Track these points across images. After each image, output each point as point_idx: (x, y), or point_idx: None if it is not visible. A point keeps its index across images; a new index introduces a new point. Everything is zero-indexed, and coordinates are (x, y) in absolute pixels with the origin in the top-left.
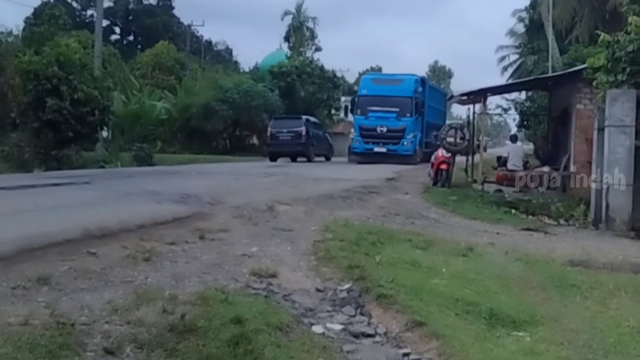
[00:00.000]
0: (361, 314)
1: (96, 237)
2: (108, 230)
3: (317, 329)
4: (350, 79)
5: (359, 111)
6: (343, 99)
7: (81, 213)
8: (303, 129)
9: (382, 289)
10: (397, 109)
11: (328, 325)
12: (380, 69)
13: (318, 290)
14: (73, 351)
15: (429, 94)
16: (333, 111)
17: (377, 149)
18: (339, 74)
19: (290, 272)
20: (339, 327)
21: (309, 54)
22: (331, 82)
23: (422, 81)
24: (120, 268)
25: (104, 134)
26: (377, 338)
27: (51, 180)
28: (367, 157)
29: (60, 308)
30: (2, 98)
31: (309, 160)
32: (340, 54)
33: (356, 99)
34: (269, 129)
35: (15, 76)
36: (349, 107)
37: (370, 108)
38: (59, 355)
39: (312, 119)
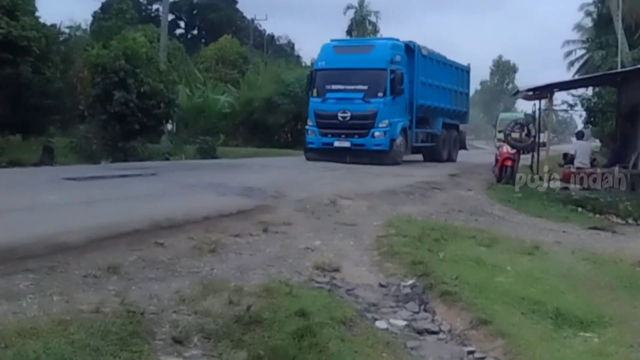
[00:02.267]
0: (425, 310)
1: (163, 227)
2: (175, 221)
3: (381, 324)
4: None
5: (314, 92)
6: None
7: (148, 204)
8: None
9: (446, 286)
10: (364, 87)
11: (391, 320)
12: None
13: (381, 285)
14: (143, 339)
15: (422, 65)
16: None
17: (338, 144)
18: None
19: (353, 266)
20: (402, 323)
21: None
22: None
23: (408, 48)
24: (186, 259)
25: (169, 126)
26: (441, 335)
27: (118, 172)
28: (326, 155)
29: (129, 297)
30: (71, 91)
31: None
32: None
33: (312, 74)
34: None
35: (84, 69)
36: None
37: (329, 87)
38: (129, 342)
39: None
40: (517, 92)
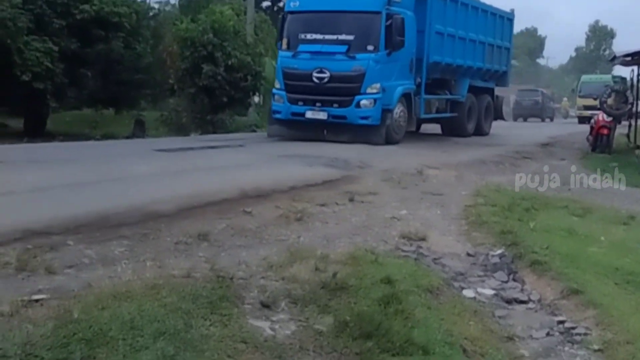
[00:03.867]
0: (514, 280)
1: (251, 197)
2: (262, 190)
3: (468, 293)
4: None
5: (284, 43)
6: None
7: (236, 174)
8: (540, 98)
9: (536, 256)
10: (349, 37)
11: (479, 290)
12: (535, 30)
13: (469, 254)
14: (232, 303)
15: (439, 9)
16: None
17: (311, 114)
18: None
19: (440, 236)
20: (490, 292)
21: None
22: None
23: None
24: (273, 227)
25: (256, 99)
26: (531, 305)
27: (207, 143)
28: (296, 129)
29: (219, 263)
30: (161, 65)
31: (542, 120)
32: None
33: (283, 18)
34: (516, 98)
35: (173, 44)
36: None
37: (303, 36)
38: (219, 306)
39: (544, 91)
40: (614, 57)
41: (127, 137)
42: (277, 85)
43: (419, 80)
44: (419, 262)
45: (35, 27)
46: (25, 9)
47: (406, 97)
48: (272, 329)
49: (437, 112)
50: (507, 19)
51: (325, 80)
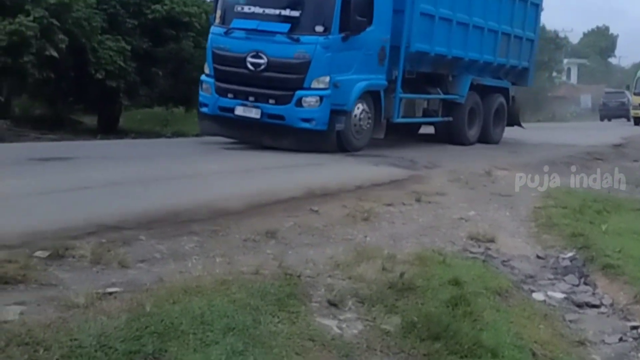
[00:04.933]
0: (585, 283)
1: (318, 196)
2: (328, 189)
3: (538, 296)
4: (574, 39)
5: (218, 16)
6: (565, 61)
7: (304, 173)
8: (626, 99)
9: (609, 259)
10: (294, 14)
11: (549, 293)
12: (607, 29)
13: (538, 257)
14: (300, 301)
15: None
16: (555, 74)
17: (241, 111)
18: (561, 34)
19: (509, 237)
20: (560, 295)
21: None
22: (553, 42)
23: None
24: (340, 226)
25: None
26: (603, 309)
27: None
28: (227, 127)
29: (286, 260)
30: None
31: (628, 120)
32: (563, 12)
33: None
34: (602, 99)
35: None
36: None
37: (239, 9)
38: (287, 303)
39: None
40: None
41: (197, 135)
42: (207, 70)
43: (394, 73)
44: (487, 264)
45: (108, 26)
46: (100, 8)
47: (373, 95)
48: (340, 328)
49: (424, 115)
50: (531, 3)
51: (262, 67)
